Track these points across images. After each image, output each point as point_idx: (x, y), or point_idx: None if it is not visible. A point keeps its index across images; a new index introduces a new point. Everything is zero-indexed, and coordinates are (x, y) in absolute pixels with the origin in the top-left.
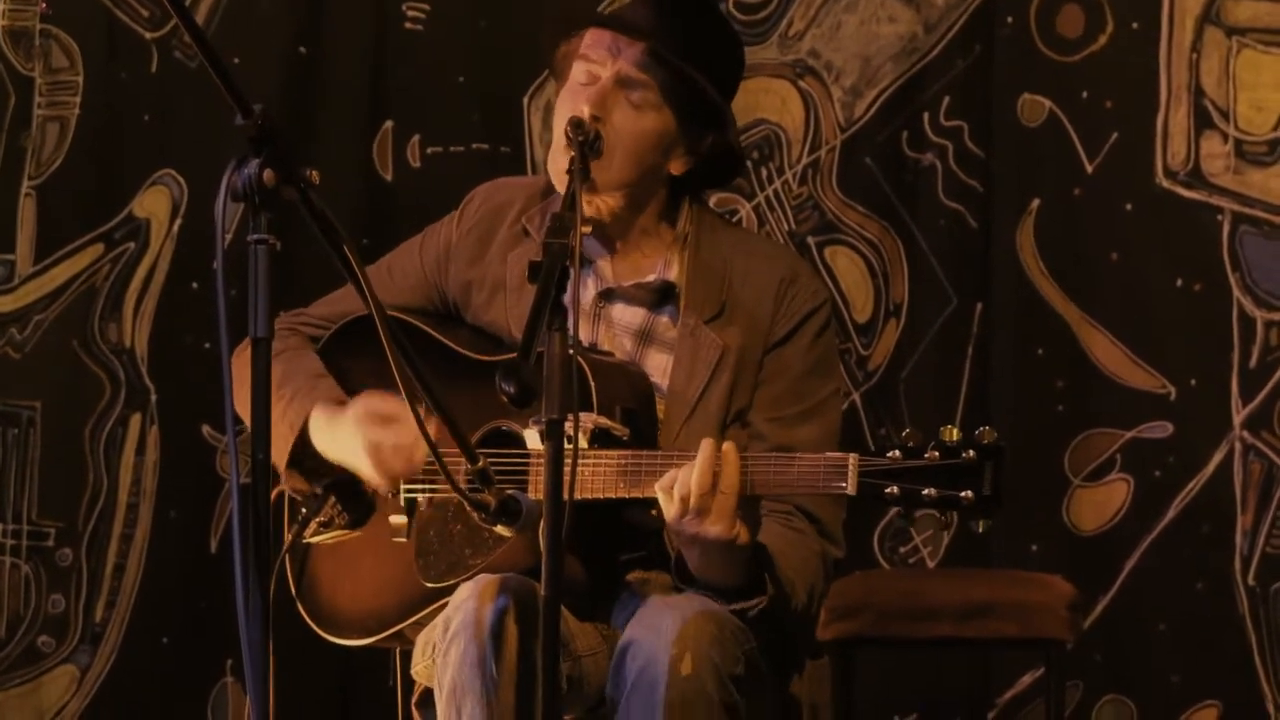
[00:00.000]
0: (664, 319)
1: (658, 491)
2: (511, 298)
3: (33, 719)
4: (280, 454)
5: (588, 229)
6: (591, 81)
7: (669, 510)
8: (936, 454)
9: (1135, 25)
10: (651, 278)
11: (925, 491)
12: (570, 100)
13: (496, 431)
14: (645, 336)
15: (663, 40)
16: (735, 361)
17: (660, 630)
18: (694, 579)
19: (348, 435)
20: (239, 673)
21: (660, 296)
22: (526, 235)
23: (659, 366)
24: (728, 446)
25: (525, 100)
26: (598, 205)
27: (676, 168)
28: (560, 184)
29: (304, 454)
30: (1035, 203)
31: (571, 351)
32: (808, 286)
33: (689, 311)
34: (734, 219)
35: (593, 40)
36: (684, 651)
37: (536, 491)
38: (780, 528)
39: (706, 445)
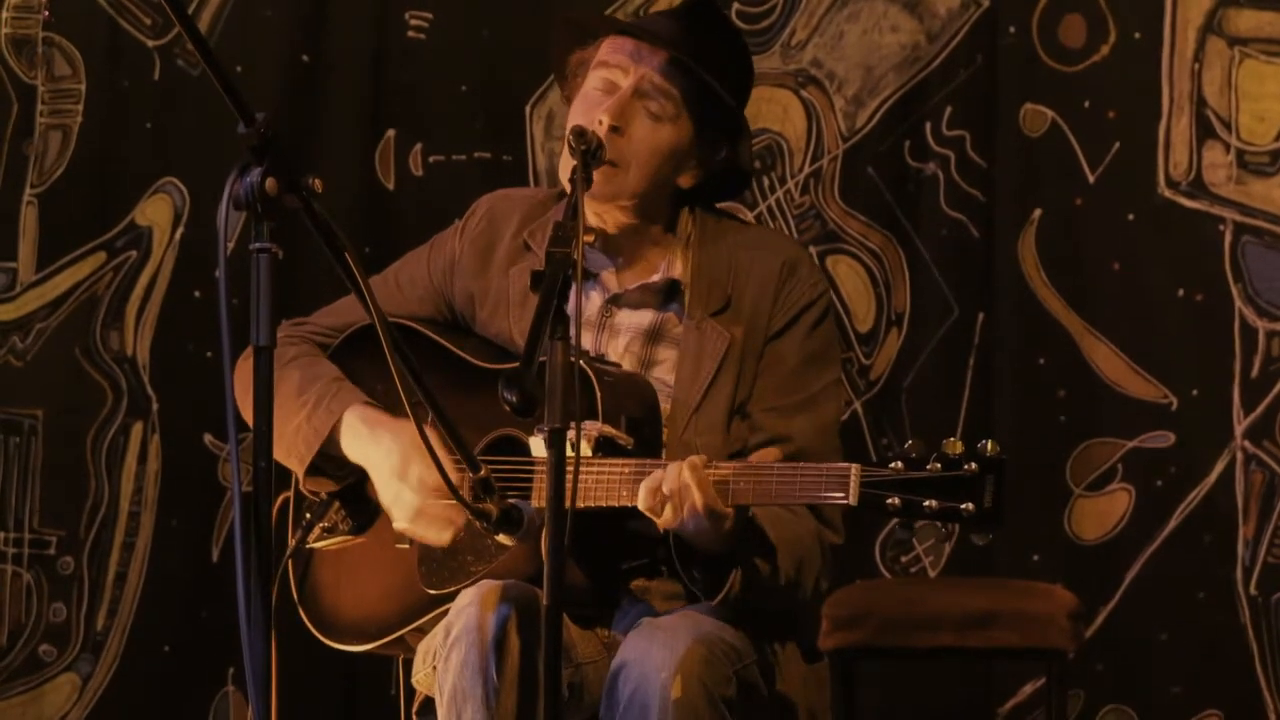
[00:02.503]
0: (672, 315)
1: (643, 510)
2: (515, 313)
3: None
4: (302, 458)
5: (590, 238)
6: (609, 89)
7: (660, 519)
8: (938, 465)
9: (1137, 35)
10: (656, 278)
11: (926, 503)
12: (586, 109)
13: (503, 439)
14: (655, 335)
15: (685, 51)
16: (739, 353)
17: (651, 653)
18: (695, 554)
19: (387, 449)
20: (241, 681)
21: (666, 295)
22: (528, 249)
23: (670, 363)
24: (689, 467)
25: (527, 109)
26: (605, 216)
27: (686, 181)
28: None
29: (325, 458)
30: (1037, 212)
31: (573, 359)
32: (806, 278)
33: (694, 306)
34: None
35: (612, 47)
36: (675, 675)
37: (540, 499)
38: (775, 507)
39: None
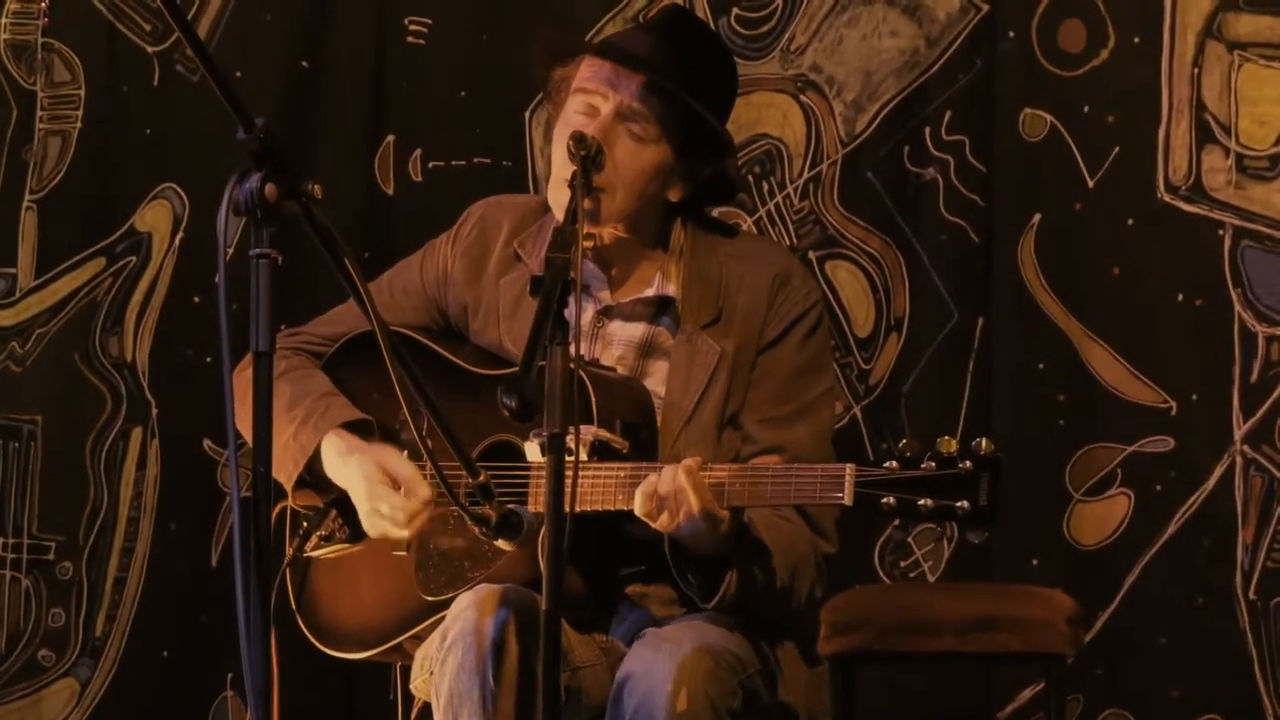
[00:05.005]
0: (664, 330)
1: (640, 515)
2: (505, 323)
3: None
4: (289, 475)
5: (590, 243)
6: (590, 113)
7: (656, 523)
8: (933, 465)
9: (1137, 40)
10: (649, 292)
11: (921, 502)
12: (568, 132)
13: (499, 445)
14: (647, 349)
15: (661, 71)
16: (730, 365)
17: (657, 665)
18: (689, 558)
19: (356, 480)
20: (239, 686)
21: (658, 309)
22: (518, 260)
23: (662, 376)
24: (684, 471)
25: (527, 114)
26: (599, 234)
27: (675, 195)
28: (562, 214)
29: (314, 474)
30: (1036, 217)
31: (572, 365)
32: (799, 288)
33: (687, 319)
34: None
35: (590, 71)
36: (680, 687)
37: (537, 504)
38: (769, 512)
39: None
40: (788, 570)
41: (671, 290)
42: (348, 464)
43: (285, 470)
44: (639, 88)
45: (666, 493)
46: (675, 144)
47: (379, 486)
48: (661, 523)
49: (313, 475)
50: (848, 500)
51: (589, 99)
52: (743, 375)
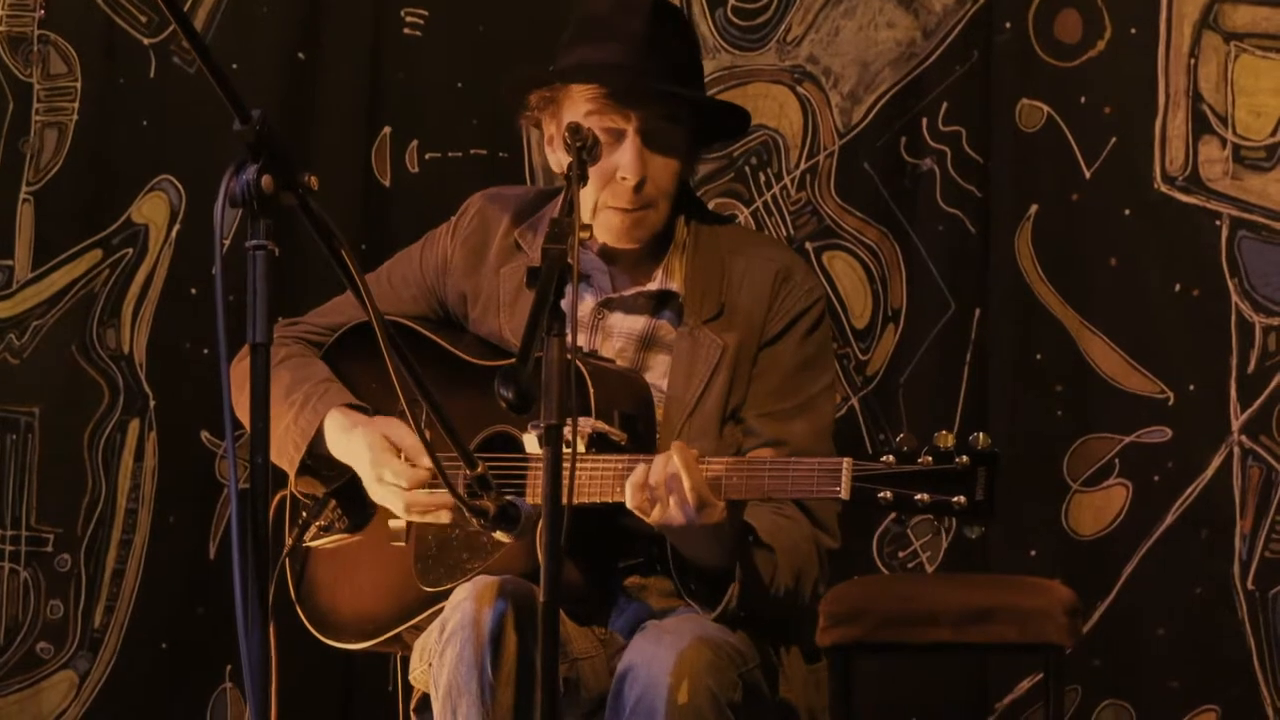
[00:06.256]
0: (665, 323)
1: (631, 508)
2: (505, 313)
3: None
4: (292, 459)
5: (585, 234)
6: (610, 134)
7: (650, 516)
8: (930, 459)
9: (1133, 30)
10: (652, 286)
11: (918, 496)
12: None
13: (497, 436)
14: (648, 341)
15: (657, 77)
16: (733, 360)
17: (657, 657)
18: (690, 566)
19: (361, 450)
20: (238, 678)
21: (660, 302)
22: (519, 249)
23: (663, 369)
24: (677, 451)
25: None
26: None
27: (689, 175)
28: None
29: (315, 457)
30: (1034, 208)
31: (570, 357)
32: (801, 285)
33: (689, 313)
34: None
35: (594, 92)
36: (681, 679)
37: (535, 496)
38: (770, 514)
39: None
40: (792, 574)
41: (674, 284)
42: (351, 437)
43: (287, 455)
44: (652, 98)
45: (656, 482)
46: (687, 136)
47: (383, 454)
48: (654, 516)
49: (314, 459)
50: (845, 494)
51: (605, 121)
52: (744, 370)
